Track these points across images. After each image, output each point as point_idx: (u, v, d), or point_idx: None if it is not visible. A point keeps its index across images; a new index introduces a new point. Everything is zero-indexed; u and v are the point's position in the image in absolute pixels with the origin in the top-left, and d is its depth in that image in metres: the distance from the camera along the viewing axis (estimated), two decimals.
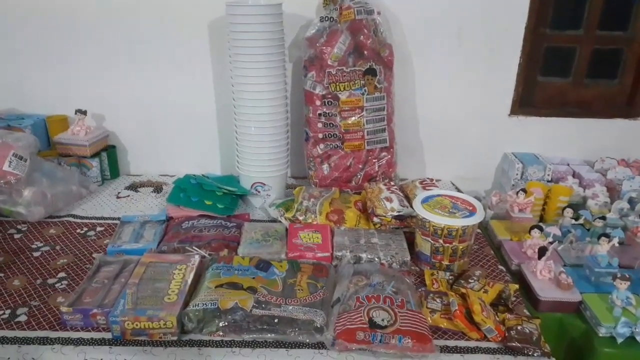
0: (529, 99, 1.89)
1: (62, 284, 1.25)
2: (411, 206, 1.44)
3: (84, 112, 1.76)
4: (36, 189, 1.53)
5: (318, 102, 1.68)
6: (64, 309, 1.09)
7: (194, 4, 1.70)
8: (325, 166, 1.74)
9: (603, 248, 1.36)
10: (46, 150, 1.79)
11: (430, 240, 1.32)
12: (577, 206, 1.64)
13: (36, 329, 1.09)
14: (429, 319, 1.15)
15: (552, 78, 1.91)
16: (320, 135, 1.72)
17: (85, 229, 1.51)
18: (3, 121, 1.74)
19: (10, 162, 1.47)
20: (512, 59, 1.81)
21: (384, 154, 1.76)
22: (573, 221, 1.57)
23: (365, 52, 1.66)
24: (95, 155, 1.77)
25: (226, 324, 1.08)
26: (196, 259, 1.26)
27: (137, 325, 1.05)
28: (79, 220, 1.56)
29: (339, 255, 1.36)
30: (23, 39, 1.76)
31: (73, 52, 1.77)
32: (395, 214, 1.47)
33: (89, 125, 1.78)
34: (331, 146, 1.72)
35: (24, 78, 1.81)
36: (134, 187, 1.81)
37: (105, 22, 1.73)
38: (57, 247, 1.41)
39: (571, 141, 1.91)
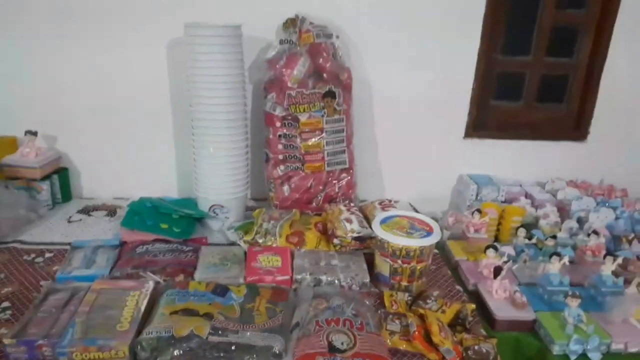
0: (483, 122, 1.95)
1: (6, 314, 1.18)
2: (370, 227, 1.45)
3: (35, 133, 1.70)
4: None
5: (278, 124, 1.69)
6: (6, 341, 1.03)
7: (153, 24, 1.68)
8: (285, 187, 1.74)
9: (555, 267, 1.40)
10: None
11: (389, 260, 1.33)
12: (530, 226, 1.69)
13: None
14: (388, 341, 1.15)
15: (504, 102, 1.98)
16: (281, 157, 1.72)
17: (32, 255, 1.44)
18: None
19: None
20: (466, 83, 1.87)
21: (344, 175, 1.77)
22: (526, 241, 1.61)
23: (325, 75, 1.68)
24: (46, 177, 1.71)
25: (181, 352, 1.04)
26: (150, 285, 1.22)
27: (86, 355, 1.01)
28: (26, 247, 1.49)
29: (298, 278, 1.35)
30: None
31: (23, 70, 1.71)
32: (355, 235, 1.47)
33: (40, 146, 1.72)
34: (292, 167, 1.72)
35: None
36: (86, 210, 1.74)
37: (59, 41, 1.68)
38: (2, 275, 1.34)
39: (523, 163, 1.99)
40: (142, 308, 1.13)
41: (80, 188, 1.88)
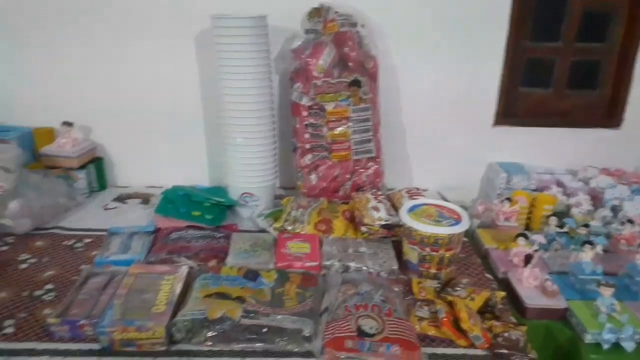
0: (512, 110, 1.93)
1: (49, 296, 1.24)
2: (398, 215, 1.46)
3: (71, 124, 1.76)
4: (22, 201, 1.51)
5: (305, 113, 1.70)
6: (51, 320, 1.08)
7: (180, 16, 1.71)
8: (313, 176, 1.75)
9: (587, 255, 1.38)
10: (32, 163, 1.78)
11: (417, 248, 1.33)
12: (562, 214, 1.67)
13: (23, 340, 1.08)
14: (417, 326, 1.16)
15: (533, 89, 1.95)
16: (308, 146, 1.73)
17: (72, 240, 1.50)
18: None
19: None
20: (494, 71, 1.84)
21: (370, 163, 1.78)
22: (558, 229, 1.59)
23: (350, 64, 1.68)
24: (83, 167, 1.77)
25: (215, 333, 1.07)
26: (184, 269, 1.26)
27: (125, 335, 1.05)
28: (66, 232, 1.55)
29: (327, 265, 1.36)
30: (7, 51, 1.76)
31: (60, 65, 1.77)
32: (383, 223, 1.48)
33: (76, 137, 1.78)
34: (319, 156, 1.74)
35: (9, 90, 1.80)
36: (121, 198, 1.80)
37: (91, 35, 1.73)
38: (44, 259, 1.40)
39: (554, 150, 1.95)
40: (177, 291, 1.17)
41: (115, 177, 1.93)
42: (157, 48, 1.75)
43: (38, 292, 1.25)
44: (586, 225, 1.56)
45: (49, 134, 1.81)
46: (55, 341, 1.08)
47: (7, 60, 1.77)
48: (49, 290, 1.26)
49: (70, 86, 1.80)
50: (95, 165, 1.82)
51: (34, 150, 1.80)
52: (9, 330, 1.11)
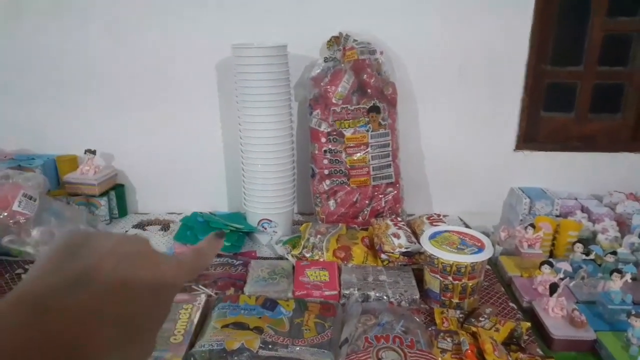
0: (533, 134, 1.90)
1: None
2: (419, 242, 1.44)
3: (93, 152, 1.79)
4: (44, 229, 1.53)
5: (323, 139, 1.70)
6: None
7: (201, 46, 1.74)
8: (331, 202, 1.75)
9: (616, 284, 1.34)
10: (56, 190, 1.81)
11: (439, 277, 1.30)
12: (587, 241, 1.62)
13: None
14: (439, 359, 1.12)
15: (555, 113, 1.92)
16: (326, 172, 1.73)
17: None
18: (14, 161, 1.77)
19: (20, 202, 1.49)
20: (514, 95, 1.83)
21: (390, 189, 1.76)
22: (584, 256, 1.54)
23: (369, 91, 1.69)
24: (104, 194, 1.79)
25: None
26: (202, 298, 1.25)
27: None
28: None
29: (346, 294, 1.34)
30: (34, 80, 1.81)
31: (83, 95, 1.81)
32: (403, 250, 1.46)
33: (98, 164, 1.80)
34: (337, 182, 1.73)
35: (35, 119, 1.85)
36: (141, 225, 1.81)
37: (114, 64, 1.77)
38: None
39: (578, 175, 1.91)
40: (195, 321, 1.16)
41: (135, 203, 1.95)
42: (179, 76, 1.78)
43: None
44: (614, 253, 1.51)
45: (72, 162, 1.84)
46: None
47: (33, 91, 1.82)
48: None
49: (94, 115, 1.84)
50: (116, 192, 1.84)
51: (57, 177, 1.84)
52: None
